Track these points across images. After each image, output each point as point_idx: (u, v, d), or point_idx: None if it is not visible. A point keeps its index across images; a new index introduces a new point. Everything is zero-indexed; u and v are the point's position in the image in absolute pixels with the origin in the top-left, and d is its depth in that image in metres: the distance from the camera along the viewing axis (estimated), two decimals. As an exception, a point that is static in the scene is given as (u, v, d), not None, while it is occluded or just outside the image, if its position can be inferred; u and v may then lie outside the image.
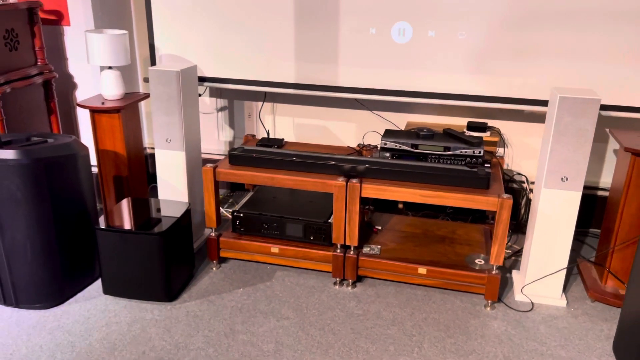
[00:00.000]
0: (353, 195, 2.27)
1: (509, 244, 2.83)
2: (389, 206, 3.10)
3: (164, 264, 2.23)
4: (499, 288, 2.43)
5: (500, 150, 2.91)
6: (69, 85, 3.13)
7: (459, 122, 2.93)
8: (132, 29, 3.22)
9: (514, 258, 2.69)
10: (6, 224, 2.13)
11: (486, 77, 2.53)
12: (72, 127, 3.24)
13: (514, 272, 2.53)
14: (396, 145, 2.44)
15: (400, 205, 3.13)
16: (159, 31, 2.82)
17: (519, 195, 2.97)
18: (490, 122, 2.90)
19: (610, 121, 2.77)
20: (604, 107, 2.46)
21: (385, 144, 2.45)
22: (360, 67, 2.65)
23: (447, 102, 2.61)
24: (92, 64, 2.61)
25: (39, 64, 2.87)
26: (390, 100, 2.75)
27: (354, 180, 2.26)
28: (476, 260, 2.39)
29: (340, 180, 2.27)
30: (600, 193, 2.92)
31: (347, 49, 2.64)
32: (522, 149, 2.92)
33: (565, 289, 2.46)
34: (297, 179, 2.34)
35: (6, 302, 2.27)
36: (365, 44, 2.61)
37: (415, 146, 2.42)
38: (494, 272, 2.26)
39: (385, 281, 2.49)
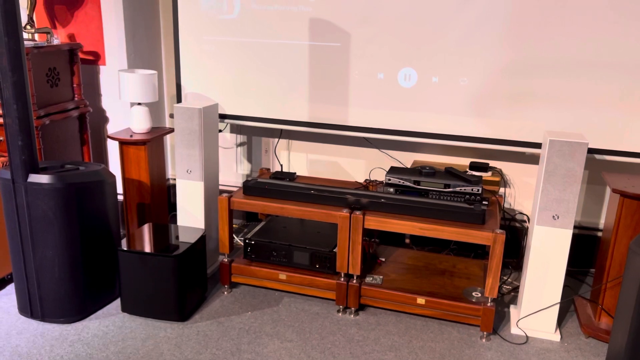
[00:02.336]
0: (356, 226, 2.42)
1: (510, 280, 2.93)
2: (396, 240, 3.24)
3: (178, 285, 2.40)
4: (496, 321, 2.53)
5: (501, 190, 3.04)
6: (102, 118, 3.40)
7: (464, 162, 3.08)
8: (162, 70, 3.49)
9: (514, 294, 2.78)
10: (38, 241, 2.34)
11: (486, 120, 2.70)
12: (102, 156, 3.49)
13: (512, 307, 2.63)
14: (399, 181, 2.60)
15: (407, 240, 3.26)
16: (185, 72, 3.08)
17: (521, 234, 3.08)
18: (493, 163, 3.04)
19: (608, 165, 2.89)
20: (599, 151, 2.60)
21: (390, 179, 2.62)
22: (368, 109, 2.85)
23: (449, 142, 2.78)
24: (123, 100, 2.86)
25: (76, 99, 3.14)
26: (396, 140, 2.93)
27: (358, 212, 2.42)
28: (473, 293, 2.50)
29: (345, 212, 2.43)
30: (600, 234, 3.01)
31: (357, 91, 2.84)
32: (524, 190, 3.05)
33: (561, 324, 2.54)
34: (304, 209, 2.51)
35: (33, 315, 2.46)
36: (373, 87, 2.81)
37: (417, 182, 2.58)
38: (488, 304, 2.36)
39: (386, 311, 2.61)
